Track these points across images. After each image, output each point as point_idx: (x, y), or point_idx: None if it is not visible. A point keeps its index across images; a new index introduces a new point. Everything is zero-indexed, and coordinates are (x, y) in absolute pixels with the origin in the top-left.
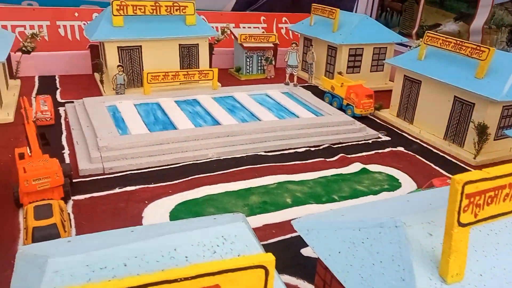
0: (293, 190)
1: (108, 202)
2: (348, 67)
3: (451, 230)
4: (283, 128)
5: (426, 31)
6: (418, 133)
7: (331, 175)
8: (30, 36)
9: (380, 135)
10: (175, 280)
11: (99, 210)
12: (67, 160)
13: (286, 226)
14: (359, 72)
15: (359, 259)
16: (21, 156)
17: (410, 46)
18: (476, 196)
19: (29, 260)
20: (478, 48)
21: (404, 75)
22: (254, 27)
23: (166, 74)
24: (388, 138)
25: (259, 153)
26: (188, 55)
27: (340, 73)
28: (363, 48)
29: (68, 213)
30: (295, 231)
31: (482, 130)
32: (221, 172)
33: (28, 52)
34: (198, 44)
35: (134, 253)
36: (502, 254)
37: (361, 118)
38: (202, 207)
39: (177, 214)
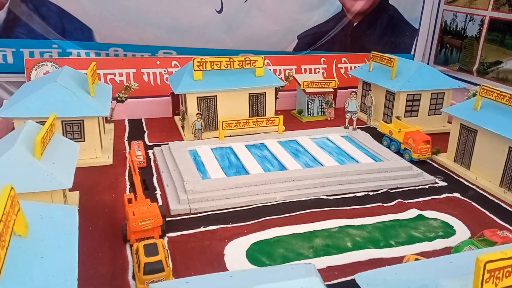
0: (353, 235)
1: (195, 240)
2: (406, 111)
3: None
4: (343, 173)
5: (482, 85)
6: (475, 179)
7: (389, 221)
8: (124, 88)
9: (437, 180)
10: None
11: (189, 246)
12: (160, 200)
13: (347, 268)
14: (417, 116)
15: None
16: (129, 201)
17: (468, 91)
18: (496, 271)
19: None
20: None
21: (461, 123)
22: (314, 68)
23: (238, 121)
24: (444, 184)
25: (321, 197)
26: (256, 102)
27: (398, 117)
28: (420, 94)
29: (167, 250)
30: (355, 273)
31: None
32: (288, 214)
33: (122, 102)
34: (265, 92)
35: None
36: None
37: (419, 162)
38: (273, 247)
39: (252, 253)
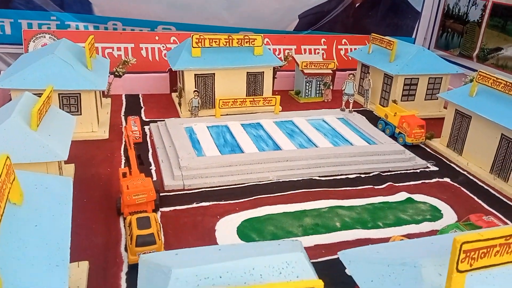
0: (342, 215)
1: (188, 215)
2: (403, 95)
3: (451, 275)
4: (337, 155)
5: (479, 71)
6: (466, 165)
7: (378, 203)
8: (122, 63)
9: (428, 165)
10: None
11: (181, 221)
12: (154, 176)
13: (334, 247)
14: (413, 100)
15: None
16: (124, 175)
17: (466, 76)
18: (471, 252)
19: (152, 267)
20: None
21: (456, 109)
22: (314, 49)
23: (235, 100)
24: (436, 168)
25: (313, 178)
26: (254, 81)
27: (394, 101)
28: (418, 78)
29: (160, 223)
30: None
31: None
32: (280, 194)
33: (120, 76)
34: (263, 72)
35: (226, 270)
36: None
37: (412, 147)
38: (264, 225)
39: (243, 229)
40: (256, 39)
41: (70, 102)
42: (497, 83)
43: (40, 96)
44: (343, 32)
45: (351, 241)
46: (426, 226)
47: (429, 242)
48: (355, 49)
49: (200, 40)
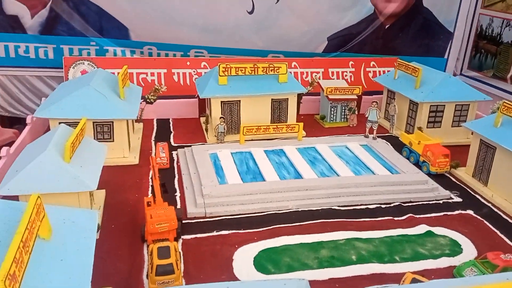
0: (359, 248)
1: (208, 243)
2: (429, 122)
3: None
4: (357, 184)
5: (503, 101)
6: (491, 197)
7: (397, 235)
8: (153, 90)
9: (452, 196)
10: None
11: (201, 250)
12: (178, 202)
13: (349, 281)
14: (439, 127)
15: None
16: (148, 204)
17: (494, 104)
18: None
19: None
20: None
21: (480, 139)
22: (342, 71)
23: (259, 127)
24: (459, 200)
25: (333, 207)
26: (278, 107)
27: (420, 128)
28: (444, 105)
29: (179, 252)
30: (356, 287)
31: None
32: (298, 223)
33: (151, 103)
34: (288, 98)
35: None
36: None
37: (436, 176)
38: (280, 256)
39: (259, 260)
40: (281, 67)
41: (104, 129)
42: None
43: (75, 125)
44: (372, 54)
45: (366, 276)
46: (444, 262)
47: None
48: (383, 72)
49: (226, 69)
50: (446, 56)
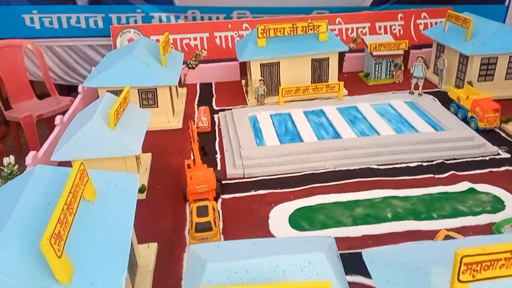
0: (395, 206)
1: (245, 203)
2: (480, 75)
3: (453, 284)
4: (397, 143)
5: None
6: None
7: (436, 193)
8: (194, 56)
9: (500, 151)
10: None
11: (239, 208)
12: (219, 164)
13: (382, 238)
14: (492, 80)
15: None
16: (188, 166)
17: None
18: (473, 264)
19: (195, 258)
20: None
21: None
22: (390, 25)
23: (298, 88)
24: (508, 155)
25: (371, 166)
26: (319, 67)
27: (470, 82)
28: (497, 58)
29: (218, 211)
30: (389, 243)
31: None
32: (335, 183)
33: (193, 68)
34: (328, 57)
35: (254, 265)
36: None
37: (485, 132)
38: (315, 214)
39: (294, 218)
40: (320, 25)
41: (148, 96)
42: None
43: (121, 92)
44: (424, 4)
45: (401, 233)
46: (484, 219)
47: (455, 246)
48: (435, 23)
49: (265, 31)
50: (507, 3)
